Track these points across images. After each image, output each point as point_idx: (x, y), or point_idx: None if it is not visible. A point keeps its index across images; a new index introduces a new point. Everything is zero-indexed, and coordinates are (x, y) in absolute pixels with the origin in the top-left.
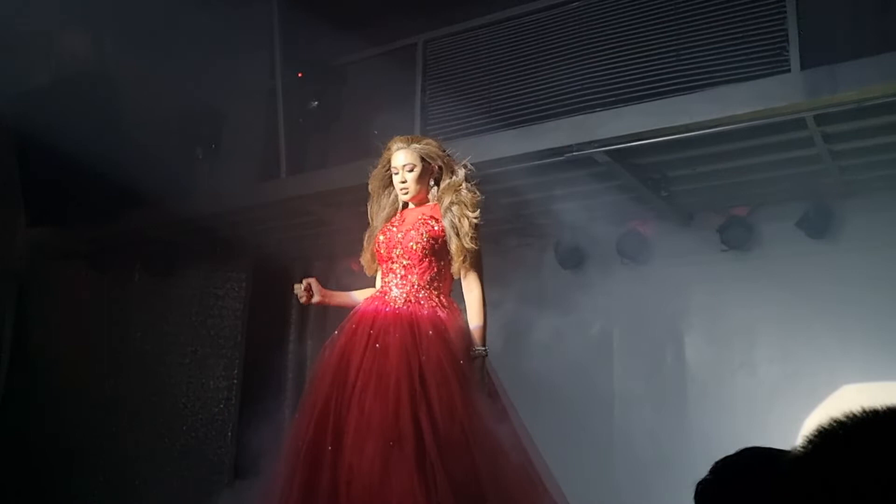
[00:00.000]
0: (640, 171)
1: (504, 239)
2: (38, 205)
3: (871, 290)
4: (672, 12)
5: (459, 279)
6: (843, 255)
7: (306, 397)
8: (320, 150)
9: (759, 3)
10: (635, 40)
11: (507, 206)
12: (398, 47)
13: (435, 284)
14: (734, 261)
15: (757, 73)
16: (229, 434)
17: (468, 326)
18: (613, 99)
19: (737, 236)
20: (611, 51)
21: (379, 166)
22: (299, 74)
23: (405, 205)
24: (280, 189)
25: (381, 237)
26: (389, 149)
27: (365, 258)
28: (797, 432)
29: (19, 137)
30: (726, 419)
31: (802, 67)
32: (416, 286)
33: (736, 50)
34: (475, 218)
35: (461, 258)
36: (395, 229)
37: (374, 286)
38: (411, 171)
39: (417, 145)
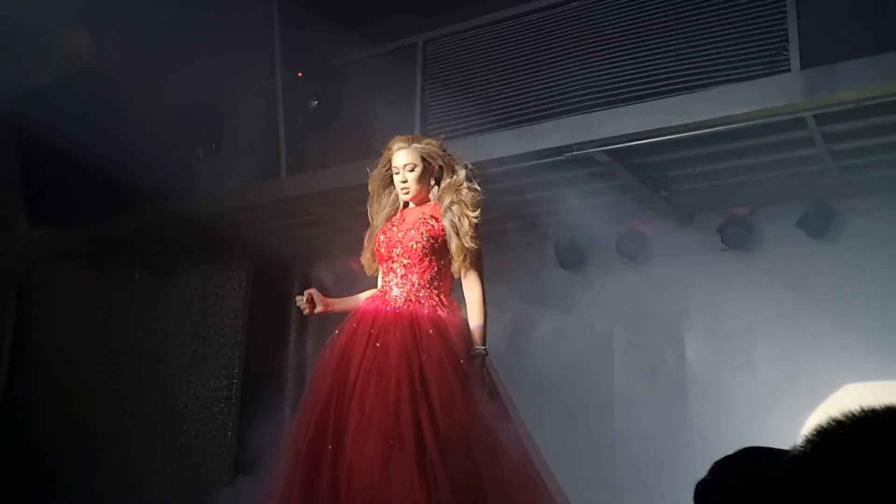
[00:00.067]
0: (640, 170)
1: (504, 238)
2: (38, 205)
3: (871, 289)
4: (672, 12)
5: (460, 278)
6: (843, 255)
7: (307, 397)
8: (320, 149)
9: (759, 2)
10: (635, 40)
11: (508, 205)
12: (398, 47)
13: (435, 284)
14: (734, 260)
15: (757, 72)
16: (229, 433)
17: (468, 326)
18: (613, 98)
19: (737, 236)
20: (611, 50)
21: (379, 166)
22: (299, 74)
23: (405, 204)
24: (280, 189)
25: (382, 237)
26: (390, 148)
27: (365, 258)
28: (797, 432)
29: (20, 137)
30: (726, 419)
31: (802, 67)
32: (416, 285)
33: (736, 49)
34: (475, 217)
35: (461, 257)
36: (395, 229)
37: (376, 288)
38: (412, 170)
39: (418, 145)
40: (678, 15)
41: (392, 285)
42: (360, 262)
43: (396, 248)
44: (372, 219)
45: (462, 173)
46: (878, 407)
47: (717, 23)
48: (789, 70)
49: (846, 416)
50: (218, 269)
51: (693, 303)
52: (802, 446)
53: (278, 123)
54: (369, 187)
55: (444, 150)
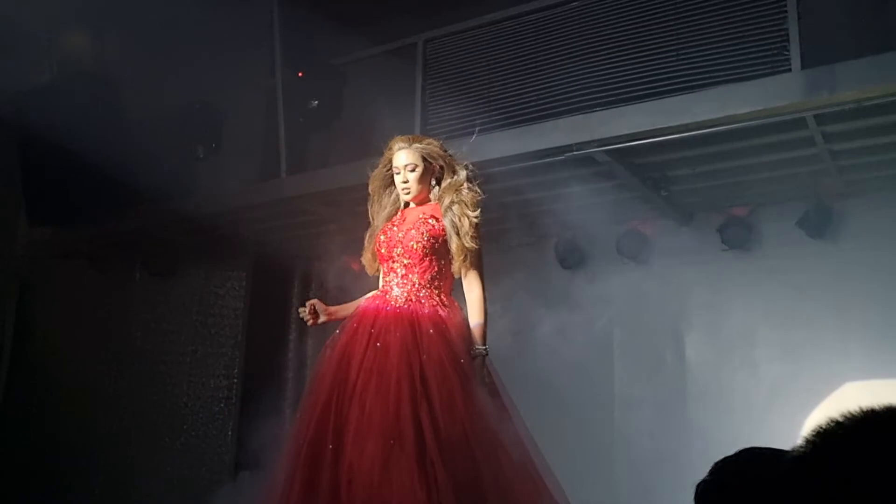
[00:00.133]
0: (641, 170)
1: (504, 238)
2: (38, 205)
3: (871, 289)
4: (672, 12)
5: (460, 278)
6: (843, 255)
7: (307, 396)
8: (320, 149)
9: (759, 2)
10: (635, 40)
11: (508, 205)
12: (399, 46)
13: (436, 283)
14: (734, 260)
15: (757, 72)
16: (230, 433)
17: (469, 325)
18: (614, 98)
19: (737, 236)
20: (611, 50)
21: (380, 166)
22: (300, 74)
23: (406, 204)
24: (280, 189)
25: (382, 236)
26: (391, 148)
27: (366, 257)
28: (797, 432)
29: (20, 137)
30: (726, 419)
31: (803, 67)
32: (416, 285)
33: (736, 49)
34: (475, 217)
35: (461, 257)
36: (395, 228)
37: (377, 289)
38: (413, 170)
39: (419, 145)
40: (679, 15)
41: (393, 285)
42: (360, 262)
43: (397, 247)
44: (372, 219)
45: (463, 173)
46: (877, 407)
47: (718, 23)
48: (790, 70)
49: (846, 417)
50: (218, 268)
51: (693, 303)
52: (802, 447)
53: (278, 123)
54: (370, 187)
55: (444, 150)
